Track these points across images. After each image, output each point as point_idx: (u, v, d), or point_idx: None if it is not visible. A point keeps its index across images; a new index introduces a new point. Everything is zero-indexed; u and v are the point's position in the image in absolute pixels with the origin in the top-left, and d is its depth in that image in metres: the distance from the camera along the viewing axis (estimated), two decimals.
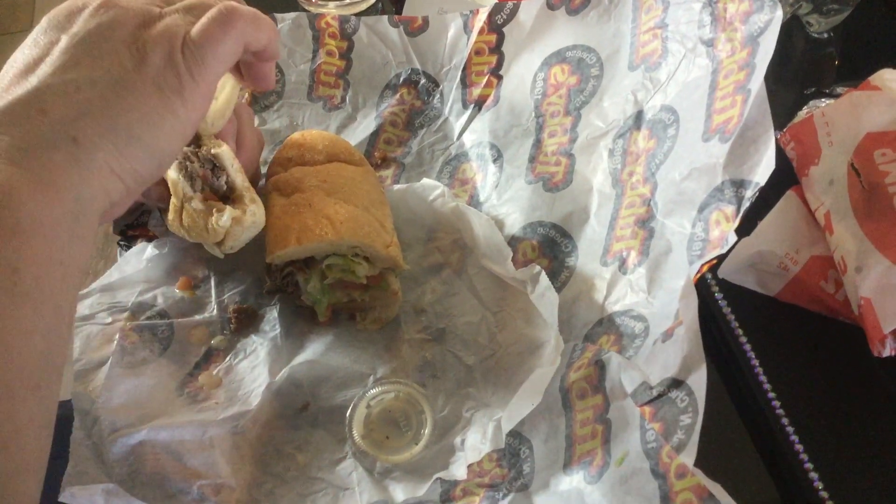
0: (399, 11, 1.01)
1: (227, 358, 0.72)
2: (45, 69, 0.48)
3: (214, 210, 0.65)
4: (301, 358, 0.71)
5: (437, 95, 0.90)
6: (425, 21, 0.89)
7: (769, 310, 0.73)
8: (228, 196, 0.68)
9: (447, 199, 0.77)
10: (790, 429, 0.64)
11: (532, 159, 0.80)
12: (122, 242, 0.81)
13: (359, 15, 0.92)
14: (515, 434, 0.66)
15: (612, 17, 0.76)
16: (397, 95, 0.90)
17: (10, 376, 0.41)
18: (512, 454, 0.65)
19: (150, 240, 0.79)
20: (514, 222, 0.78)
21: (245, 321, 0.74)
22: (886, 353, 0.63)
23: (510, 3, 0.83)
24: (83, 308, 0.73)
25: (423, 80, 0.90)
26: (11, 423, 0.41)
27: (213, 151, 0.67)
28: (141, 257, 0.77)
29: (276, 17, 0.90)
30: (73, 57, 0.48)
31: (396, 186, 0.80)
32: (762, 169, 0.57)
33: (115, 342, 0.70)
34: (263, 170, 0.82)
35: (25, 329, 0.42)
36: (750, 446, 0.66)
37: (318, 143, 0.79)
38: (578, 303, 0.70)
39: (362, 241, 0.69)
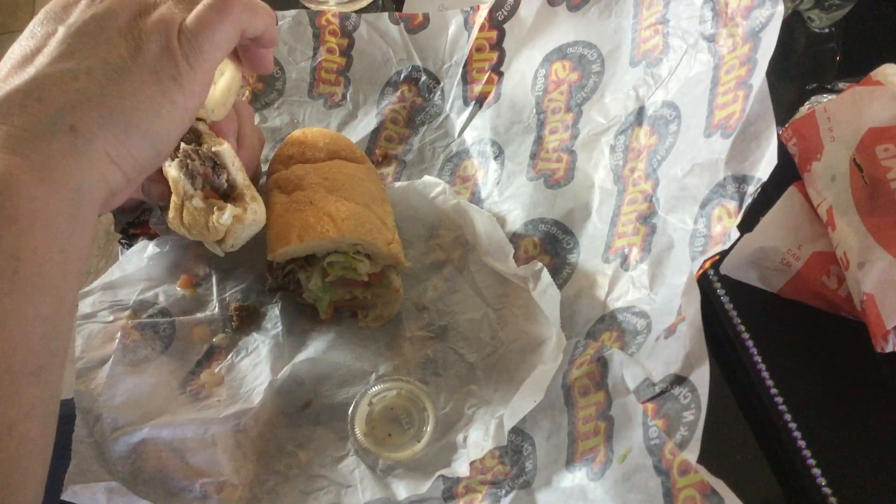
0: (399, 8, 1.01)
1: (229, 356, 0.72)
2: (42, 59, 0.48)
3: (215, 208, 0.65)
4: (303, 356, 0.71)
5: (438, 92, 0.90)
6: (426, 18, 0.89)
7: (771, 306, 0.72)
8: (229, 194, 0.68)
9: (448, 196, 0.77)
10: (793, 425, 0.64)
11: (533, 156, 0.80)
12: (123, 241, 0.81)
13: (359, 12, 0.92)
14: (518, 431, 0.65)
15: (614, 13, 0.76)
16: (398, 93, 0.90)
17: (12, 361, 0.42)
18: (514, 451, 0.65)
19: (151, 238, 0.79)
20: (516, 219, 0.77)
21: (247, 319, 0.74)
22: (889, 348, 0.63)
23: (511, 0, 0.83)
24: (85, 306, 0.73)
25: (423, 78, 0.90)
26: (15, 407, 0.42)
27: (213, 149, 0.67)
28: (142, 255, 0.77)
29: (276, 14, 0.89)
30: (69, 47, 0.49)
31: (398, 184, 0.80)
32: (764, 164, 0.57)
33: (117, 340, 0.70)
34: (264, 167, 0.82)
35: (26, 315, 0.43)
36: (753, 442, 0.66)
37: (319, 140, 0.78)
38: (580, 299, 0.70)
39: (364, 239, 0.69)
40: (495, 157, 0.82)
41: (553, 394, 0.64)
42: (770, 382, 0.67)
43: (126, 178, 0.51)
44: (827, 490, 0.61)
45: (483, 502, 0.63)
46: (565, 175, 0.76)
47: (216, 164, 0.67)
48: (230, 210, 0.64)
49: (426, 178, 0.79)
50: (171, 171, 0.66)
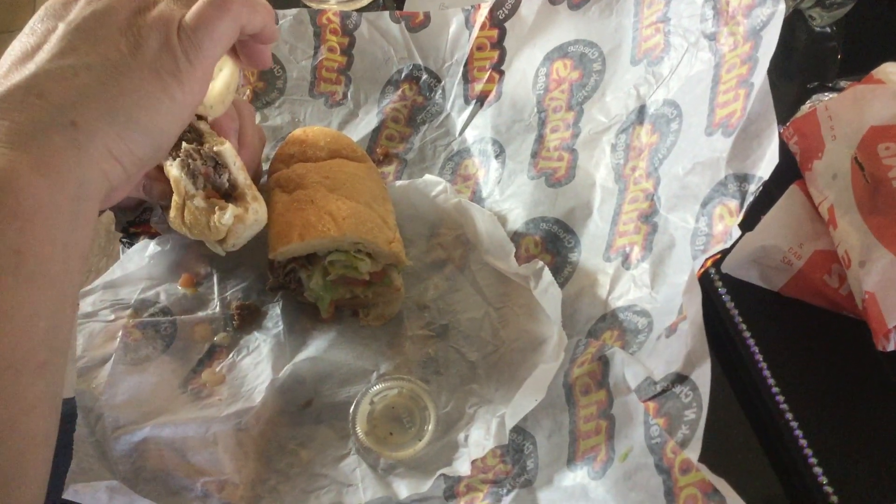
0: (400, 7, 1.01)
1: (230, 355, 0.72)
2: (42, 56, 0.49)
3: (217, 208, 0.65)
4: (304, 354, 0.71)
5: (439, 91, 0.90)
6: (427, 16, 0.89)
7: (773, 305, 0.72)
8: (230, 194, 0.68)
9: (449, 194, 0.77)
10: (794, 423, 0.64)
11: (534, 155, 0.80)
12: (124, 239, 0.81)
13: (360, 11, 0.92)
14: (519, 430, 0.65)
15: (614, 12, 0.76)
16: (399, 91, 0.90)
17: (16, 355, 0.42)
18: (515, 450, 0.65)
19: (152, 237, 0.79)
20: (517, 218, 0.77)
21: (248, 318, 0.74)
22: (890, 347, 0.63)
23: None
24: (86, 305, 0.73)
25: (424, 76, 0.90)
26: (19, 402, 0.42)
27: (215, 149, 0.66)
28: (143, 254, 0.77)
29: (277, 13, 0.89)
30: (70, 43, 0.49)
31: (399, 182, 0.80)
32: (765, 163, 0.57)
33: (118, 339, 0.70)
34: (265, 166, 0.82)
35: (30, 310, 0.43)
36: (754, 441, 0.66)
37: (320, 139, 0.78)
38: (581, 298, 0.70)
39: (365, 238, 0.69)
40: (496, 156, 0.82)
41: (554, 392, 0.64)
42: (771, 381, 0.67)
43: (126, 173, 0.51)
44: (828, 489, 0.61)
45: (484, 501, 0.63)
46: (566, 174, 0.76)
47: (217, 163, 0.67)
48: (231, 210, 0.64)
49: (427, 176, 0.79)
50: (173, 170, 0.66)
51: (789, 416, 0.65)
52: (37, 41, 0.50)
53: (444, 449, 0.67)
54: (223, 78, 0.67)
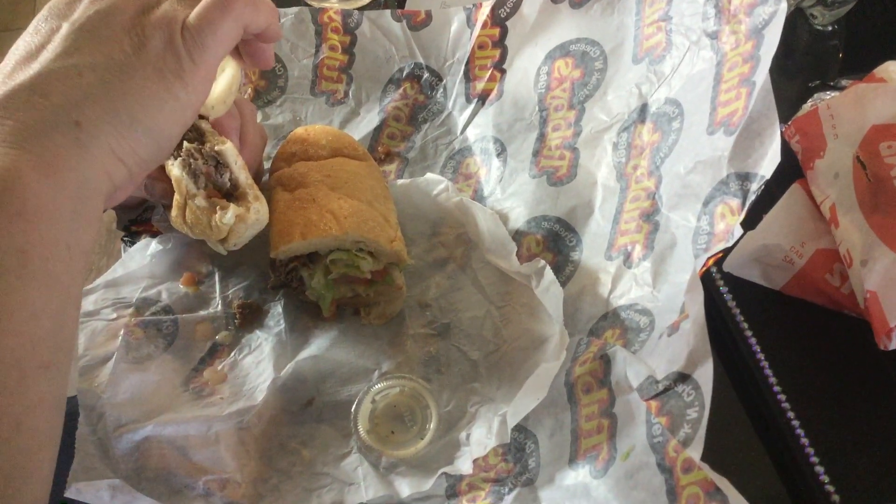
0: (402, 5, 1.01)
1: (232, 353, 0.72)
2: (46, 55, 0.49)
3: (218, 207, 0.65)
4: (306, 353, 0.71)
5: (441, 90, 0.90)
6: (428, 15, 0.89)
7: (774, 303, 0.72)
8: (232, 193, 0.68)
9: (451, 193, 0.77)
10: (796, 422, 0.64)
11: (536, 153, 0.80)
12: (125, 238, 0.81)
13: (361, 9, 0.92)
14: (521, 429, 0.66)
15: (616, 10, 0.76)
16: (400, 90, 0.90)
17: (21, 355, 0.42)
18: (517, 449, 0.65)
19: (153, 235, 0.79)
20: (519, 216, 0.77)
21: (249, 316, 0.74)
22: (892, 346, 0.63)
23: None
24: (88, 304, 0.73)
25: (426, 75, 0.90)
26: (24, 400, 0.42)
27: (216, 148, 0.66)
28: (145, 253, 0.77)
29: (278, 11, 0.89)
30: (73, 43, 0.49)
31: (400, 181, 0.80)
32: (767, 162, 0.57)
33: (120, 338, 0.70)
34: (267, 165, 0.82)
35: (34, 310, 0.43)
36: (755, 440, 0.66)
37: (321, 138, 0.78)
38: (583, 297, 0.70)
39: (366, 236, 0.69)
40: (498, 155, 0.82)
41: (556, 391, 0.64)
42: (773, 380, 0.67)
43: (129, 173, 0.51)
44: (830, 487, 0.61)
45: (486, 500, 0.63)
46: (568, 172, 0.76)
47: (219, 163, 0.67)
48: (233, 209, 0.64)
49: (429, 175, 0.79)
50: (174, 170, 0.66)
51: (791, 414, 0.65)
52: (41, 40, 0.50)
53: (446, 448, 0.67)
54: (225, 79, 0.67)
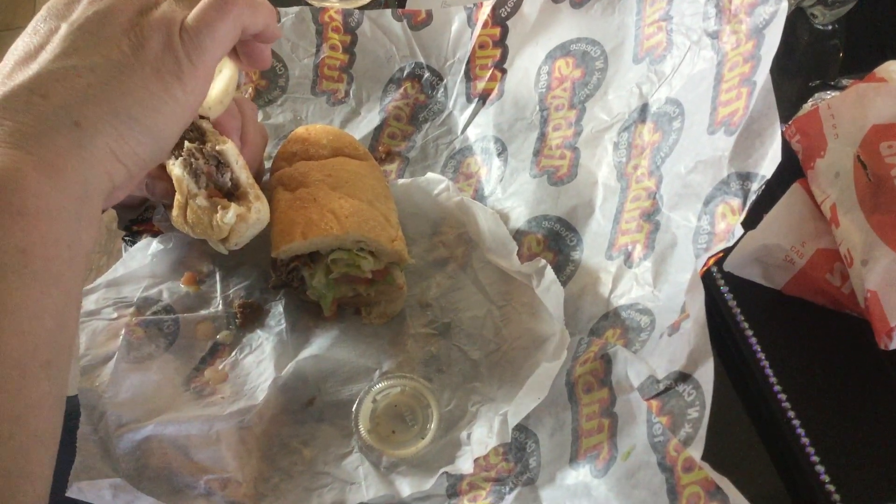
0: (402, 5, 1.01)
1: (233, 353, 0.73)
2: (45, 56, 0.49)
3: (219, 207, 0.65)
4: (307, 352, 0.71)
5: (441, 89, 0.90)
6: (429, 14, 0.89)
7: (775, 303, 0.73)
8: (233, 192, 0.68)
9: (452, 193, 0.77)
10: (796, 422, 0.64)
11: (536, 153, 0.80)
12: (126, 238, 0.81)
13: (362, 9, 0.92)
14: (521, 428, 0.66)
15: (617, 10, 0.76)
16: (401, 89, 0.90)
17: (22, 354, 0.42)
18: (518, 448, 0.65)
19: (154, 235, 0.79)
20: (519, 216, 0.77)
21: (250, 316, 0.74)
22: (893, 345, 0.63)
23: None
24: (88, 303, 0.73)
25: (426, 74, 0.90)
26: (25, 399, 0.43)
27: (217, 148, 0.67)
28: (146, 252, 0.77)
29: (279, 11, 0.89)
30: (72, 44, 0.49)
31: (401, 181, 0.80)
32: (768, 162, 0.57)
33: (121, 337, 0.70)
34: (268, 164, 0.82)
35: (36, 309, 0.43)
36: (756, 439, 0.66)
37: (322, 137, 0.78)
38: (584, 297, 0.70)
39: (367, 236, 0.69)
40: (498, 154, 0.82)
41: (557, 391, 0.64)
42: (773, 379, 0.67)
43: (129, 173, 0.51)
44: (830, 487, 0.61)
45: (487, 499, 0.63)
46: (569, 172, 0.76)
47: (220, 162, 0.67)
48: (234, 209, 0.65)
49: (429, 175, 0.79)
50: (175, 169, 0.66)
51: (791, 414, 0.65)
52: (40, 41, 0.50)
53: (447, 447, 0.67)
54: (222, 80, 0.67)
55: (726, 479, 0.50)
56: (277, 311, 0.75)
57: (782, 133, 0.57)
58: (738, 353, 0.70)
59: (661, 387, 0.58)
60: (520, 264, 0.71)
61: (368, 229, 0.69)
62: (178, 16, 0.52)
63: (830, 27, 0.93)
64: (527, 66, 0.83)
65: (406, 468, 0.66)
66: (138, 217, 0.80)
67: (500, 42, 0.85)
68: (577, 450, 0.62)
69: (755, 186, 0.58)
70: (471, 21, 0.87)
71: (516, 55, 0.84)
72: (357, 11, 0.91)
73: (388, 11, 0.90)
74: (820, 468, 0.62)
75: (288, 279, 0.74)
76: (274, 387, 0.69)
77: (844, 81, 0.81)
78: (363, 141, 0.88)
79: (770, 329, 0.70)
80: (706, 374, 0.55)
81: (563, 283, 0.71)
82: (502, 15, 0.84)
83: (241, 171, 0.68)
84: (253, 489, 0.65)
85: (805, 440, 0.63)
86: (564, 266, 0.73)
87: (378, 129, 0.89)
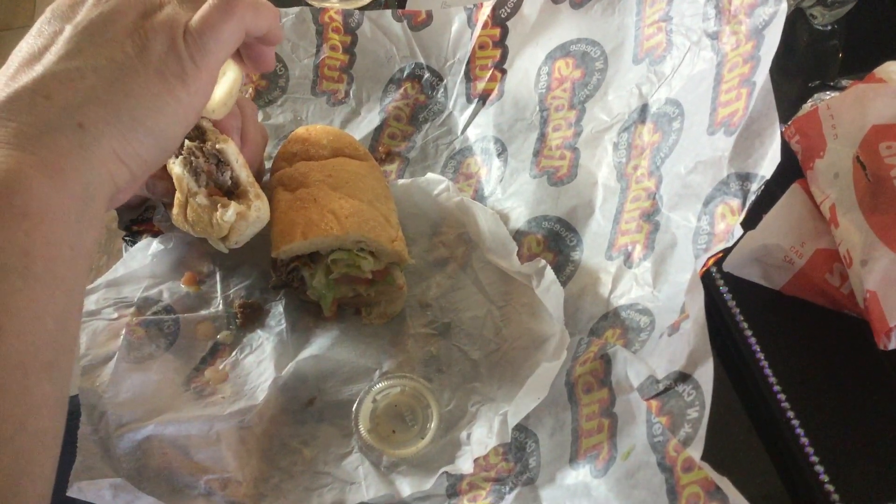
0: (402, 5, 1.01)
1: (233, 353, 0.73)
2: (49, 58, 0.49)
3: (219, 205, 0.66)
4: (307, 353, 0.72)
5: (441, 90, 0.90)
6: (429, 15, 0.89)
7: (774, 303, 0.73)
8: (233, 191, 0.68)
9: (452, 193, 0.77)
10: (795, 422, 0.65)
11: (536, 153, 0.80)
12: (127, 238, 0.81)
13: (362, 9, 0.92)
14: (521, 428, 0.66)
15: (617, 11, 0.76)
16: (401, 90, 0.90)
17: (24, 356, 0.42)
18: (518, 448, 0.65)
19: (155, 235, 0.79)
20: (519, 216, 0.78)
21: (251, 316, 0.75)
22: (892, 345, 0.63)
23: None
24: (89, 303, 0.73)
25: (426, 75, 0.90)
26: (27, 401, 0.42)
27: (217, 147, 0.67)
28: (146, 253, 0.77)
29: (280, 11, 0.89)
30: (76, 45, 0.49)
31: (401, 181, 0.80)
32: (767, 162, 0.57)
33: (122, 337, 0.70)
34: (268, 165, 0.82)
35: (38, 310, 0.43)
36: (755, 439, 0.66)
37: (322, 137, 0.78)
38: (584, 297, 0.70)
39: (367, 236, 0.69)
40: (498, 155, 0.83)
41: (556, 391, 0.64)
42: (773, 379, 0.67)
43: (131, 174, 0.51)
44: (829, 487, 0.61)
45: (487, 499, 0.63)
46: (568, 172, 0.76)
47: (220, 161, 0.67)
48: (234, 207, 0.65)
49: (429, 175, 0.79)
50: (175, 168, 0.66)
51: (790, 414, 0.65)
52: (44, 43, 0.50)
53: (447, 447, 0.67)
54: (226, 82, 0.67)
55: (726, 479, 0.50)
56: (278, 312, 0.75)
57: (782, 133, 0.57)
58: (738, 353, 0.70)
59: (661, 387, 0.58)
60: (520, 265, 0.71)
61: (368, 229, 0.69)
62: (182, 18, 0.52)
63: (830, 28, 0.93)
64: (527, 67, 0.83)
65: (406, 468, 0.66)
66: (138, 217, 0.81)
67: (500, 42, 0.85)
68: (576, 450, 0.62)
69: (755, 187, 0.58)
70: (471, 22, 0.87)
71: (516, 56, 0.85)
72: (357, 12, 0.91)
73: (389, 12, 0.90)
74: (819, 468, 0.62)
75: (288, 279, 0.74)
76: (274, 387, 0.69)
77: (844, 82, 0.81)
78: (363, 141, 0.88)
79: (769, 329, 0.70)
80: (706, 375, 0.55)
81: (563, 284, 0.71)
82: (502, 16, 0.84)
83: (241, 170, 0.68)
84: (253, 489, 0.65)
85: (804, 440, 0.63)
86: (564, 266, 0.73)
87: (378, 130, 0.89)
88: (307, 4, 1.00)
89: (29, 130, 0.45)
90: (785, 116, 0.70)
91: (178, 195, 0.68)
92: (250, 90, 0.92)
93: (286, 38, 0.91)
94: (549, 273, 0.69)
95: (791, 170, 0.75)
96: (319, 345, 0.72)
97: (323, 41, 0.92)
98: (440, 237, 0.79)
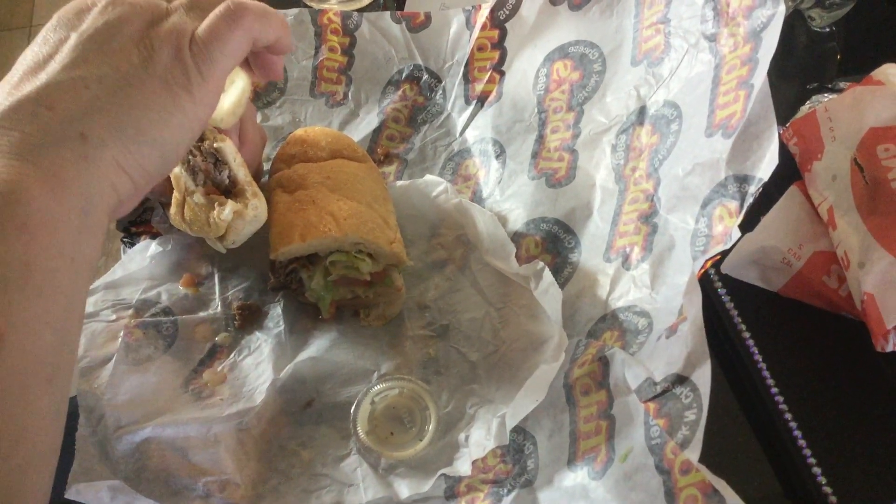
0: (401, 7, 1.01)
1: (232, 355, 0.73)
2: (53, 66, 0.48)
3: (216, 204, 0.66)
4: (305, 354, 0.72)
5: (440, 91, 0.90)
6: (427, 17, 0.89)
7: (772, 305, 0.73)
8: (230, 190, 0.68)
9: (450, 195, 0.77)
10: (793, 424, 0.65)
11: (535, 155, 0.80)
12: (125, 239, 0.81)
13: (361, 11, 0.92)
14: (519, 430, 0.66)
15: (615, 13, 0.76)
16: (400, 91, 0.90)
17: (22, 371, 0.42)
18: (516, 450, 0.65)
19: (153, 237, 0.79)
20: (517, 218, 0.78)
21: (249, 318, 0.75)
22: (889, 347, 0.63)
23: None
24: (87, 305, 0.73)
25: (425, 76, 0.90)
26: (25, 416, 0.42)
27: (215, 145, 0.67)
28: (145, 254, 0.77)
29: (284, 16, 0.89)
30: (81, 54, 0.49)
31: (399, 183, 0.80)
32: (765, 164, 0.57)
33: (120, 339, 0.70)
34: (266, 166, 0.82)
35: (37, 324, 0.43)
36: (753, 441, 0.66)
37: (321, 139, 0.79)
38: (582, 299, 0.70)
39: (366, 238, 0.69)
40: (497, 156, 0.83)
41: (555, 393, 0.64)
42: (770, 381, 0.67)
43: (134, 186, 0.50)
44: (827, 489, 0.61)
45: (485, 501, 0.63)
46: (567, 174, 0.77)
47: (218, 160, 0.67)
48: (231, 206, 0.65)
49: (428, 177, 0.79)
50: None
51: (788, 416, 0.65)
52: (49, 51, 0.49)
53: (445, 449, 0.67)
54: (235, 91, 0.67)
55: (723, 481, 0.50)
56: (276, 313, 0.75)
57: (779, 136, 0.57)
58: (736, 355, 0.70)
59: (659, 389, 0.58)
60: (518, 266, 0.71)
61: (367, 231, 0.69)
62: (189, 27, 0.52)
63: (828, 30, 0.93)
64: (525, 69, 0.84)
65: (404, 470, 0.66)
66: (137, 218, 0.81)
67: (499, 44, 0.85)
68: (574, 452, 0.62)
69: (752, 189, 0.58)
70: (469, 23, 0.87)
71: (515, 57, 0.85)
72: (356, 13, 0.91)
73: (387, 14, 0.90)
74: (817, 470, 0.62)
75: (286, 281, 0.74)
76: (272, 389, 0.69)
77: (842, 84, 0.82)
78: (362, 143, 0.88)
79: (767, 331, 0.70)
80: (703, 377, 0.55)
81: (561, 285, 0.71)
82: (501, 17, 0.84)
83: (239, 169, 0.68)
84: (251, 491, 0.65)
85: (802, 442, 0.64)
86: (562, 268, 0.73)
87: (377, 131, 0.89)
88: (306, 6, 1.00)
89: (30, 140, 0.45)
90: (783, 118, 0.70)
91: (175, 194, 0.68)
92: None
93: None
94: (548, 275, 0.69)
95: (789, 172, 0.75)
96: (318, 346, 0.72)
97: (321, 43, 0.92)
98: (438, 239, 0.79)
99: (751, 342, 0.69)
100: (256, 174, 0.76)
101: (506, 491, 0.63)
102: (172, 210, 0.68)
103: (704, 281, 0.73)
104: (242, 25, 0.53)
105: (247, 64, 0.64)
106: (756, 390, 0.68)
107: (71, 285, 0.45)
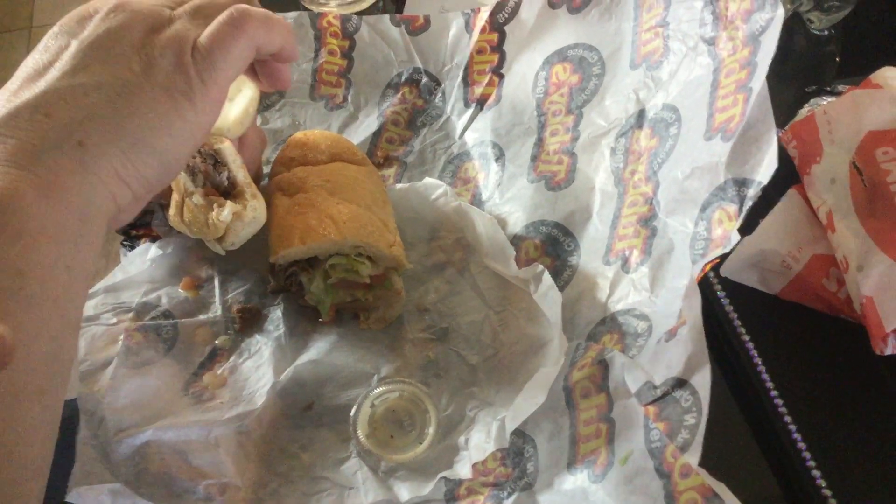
0: (400, 10, 1.01)
1: (232, 358, 0.73)
2: (53, 73, 0.48)
3: (215, 205, 0.66)
4: (305, 357, 0.72)
5: (439, 94, 0.90)
6: (427, 20, 0.89)
7: (771, 308, 0.73)
8: (230, 192, 0.69)
9: (450, 197, 0.77)
10: (793, 427, 0.65)
11: (534, 158, 0.80)
12: (125, 242, 0.81)
13: (360, 14, 0.92)
14: (519, 433, 0.66)
15: (614, 16, 0.77)
16: (399, 94, 0.90)
17: (14, 381, 0.41)
18: (516, 453, 0.65)
19: (153, 240, 0.79)
20: (517, 221, 0.78)
21: (249, 321, 0.75)
22: (888, 351, 0.63)
23: (512, 2, 0.83)
24: (87, 309, 0.73)
25: (424, 79, 0.90)
26: (16, 429, 0.41)
27: (214, 147, 0.67)
28: (145, 258, 0.77)
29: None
30: (81, 61, 0.48)
31: (399, 185, 0.80)
32: (764, 168, 0.57)
33: (120, 343, 0.70)
34: (266, 169, 0.82)
35: (30, 333, 0.42)
36: (753, 444, 0.66)
37: (320, 142, 0.79)
38: (581, 302, 0.71)
39: (366, 241, 0.69)
40: (496, 159, 0.83)
41: (554, 396, 0.65)
42: (770, 384, 0.67)
43: (134, 195, 0.50)
44: (827, 492, 0.61)
45: None
46: (566, 177, 0.77)
47: (217, 161, 0.68)
48: (230, 207, 0.65)
49: (427, 179, 0.79)
50: None
51: (788, 419, 0.65)
52: (49, 58, 0.49)
53: (445, 452, 0.67)
54: (242, 101, 0.67)
55: (723, 484, 0.50)
56: (276, 316, 0.75)
57: (778, 139, 0.57)
58: (735, 358, 0.70)
59: (659, 392, 0.58)
60: (517, 269, 0.71)
61: (367, 234, 0.69)
62: (191, 35, 0.51)
63: (827, 33, 0.93)
64: (524, 72, 0.84)
65: (404, 473, 0.66)
66: (137, 221, 0.80)
67: (498, 47, 0.85)
68: (574, 455, 0.62)
69: (752, 192, 0.58)
70: (468, 26, 0.87)
71: (514, 60, 0.85)
72: (355, 16, 0.91)
73: (387, 17, 0.90)
74: (816, 473, 0.62)
75: (286, 284, 0.74)
76: (272, 392, 0.69)
77: (840, 87, 0.82)
78: (361, 146, 0.88)
79: (767, 334, 0.70)
80: (703, 380, 0.55)
81: (561, 289, 0.72)
82: (500, 20, 0.84)
83: (238, 170, 0.68)
84: (251, 494, 0.65)
85: (801, 445, 0.64)
86: (562, 271, 0.73)
87: (376, 134, 0.89)
88: (305, 9, 1.01)
89: (28, 148, 0.44)
90: (782, 121, 0.70)
91: (174, 195, 0.68)
92: None
93: None
94: (547, 278, 0.69)
95: (788, 175, 0.75)
96: (318, 349, 0.73)
97: (321, 46, 0.92)
98: (438, 242, 0.79)
99: (750, 345, 0.69)
100: (256, 177, 0.76)
101: (506, 494, 0.63)
102: (171, 211, 0.68)
103: (704, 284, 0.73)
104: (246, 32, 0.52)
105: (254, 73, 0.63)
106: (756, 393, 0.68)
107: (66, 295, 0.44)
